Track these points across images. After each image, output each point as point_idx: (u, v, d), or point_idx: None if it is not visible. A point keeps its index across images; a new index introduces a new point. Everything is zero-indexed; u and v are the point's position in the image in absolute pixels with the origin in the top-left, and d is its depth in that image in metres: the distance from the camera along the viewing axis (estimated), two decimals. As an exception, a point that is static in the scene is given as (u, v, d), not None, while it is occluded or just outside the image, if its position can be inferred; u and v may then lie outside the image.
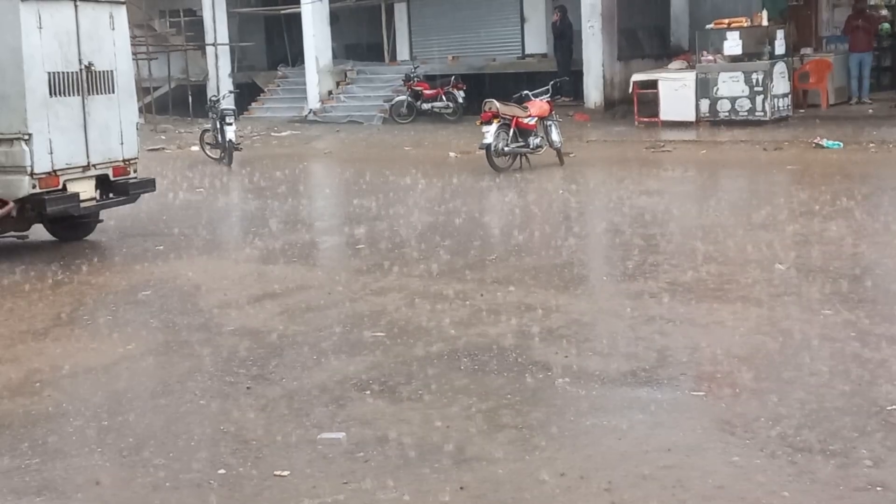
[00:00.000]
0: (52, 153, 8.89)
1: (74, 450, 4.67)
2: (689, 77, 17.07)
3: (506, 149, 13.06)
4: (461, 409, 4.93)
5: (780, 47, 16.93)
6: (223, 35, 24.65)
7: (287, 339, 6.25)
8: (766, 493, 3.92)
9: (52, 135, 8.90)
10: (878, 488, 3.91)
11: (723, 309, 6.45)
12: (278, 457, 4.47)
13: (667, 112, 17.22)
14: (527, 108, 13.34)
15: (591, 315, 6.53)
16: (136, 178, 9.81)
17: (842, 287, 6.81)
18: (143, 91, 21.35)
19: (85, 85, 9.20)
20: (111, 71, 9.46)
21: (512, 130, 13.06)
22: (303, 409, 5.04)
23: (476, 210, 10.67)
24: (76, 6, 9.07)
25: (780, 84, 16.73)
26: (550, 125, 13.54)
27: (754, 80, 16.44)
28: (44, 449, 4.69)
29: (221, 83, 23.95)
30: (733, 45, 16.75)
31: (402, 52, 23.69)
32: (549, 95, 13.83)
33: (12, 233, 9.47)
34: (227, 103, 17.15)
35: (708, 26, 17.53)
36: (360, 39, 25.07)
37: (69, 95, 9.06)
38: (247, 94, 23.88)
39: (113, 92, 9.49)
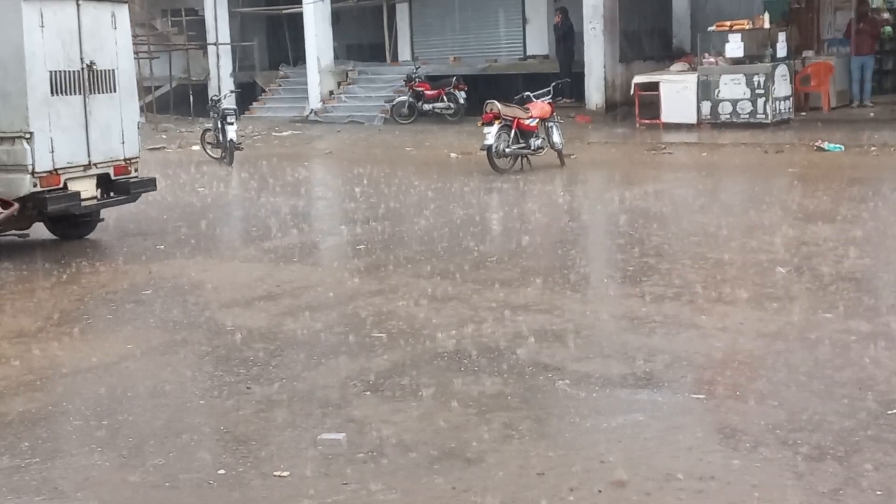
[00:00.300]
0: (53, 152, 8.90)
1: (74, 449, 4.66)
2: (691, 79, 17.07)
3: (507, 150, 13.06)
4: (461, 410, 4.92)
5: (781, 50, 16.94)
6: (225, 34, 24.65)
7: (287, 339, 6.25)
8: (767, 496, 3.92)
9: (54, 133, 8.90)
10: (879, 492, 3.91)
11: (723, 312, 6.45)
12: (278, 457, 4.46)
13: (668, 114, 17.22)
14: (528, 109, 13.34)
15: (591, 317, 6.52)
16: (137, 177, 9.81)
17: (843, 290, 6.81)
18: (144, 90, 21.39)
19: (86, 84, 9.20)
20: (113, 70, 9.46)
21: (513, 132, 13.06)
22: (303, 409, 5.04)
23: (477, 211, 10.67)
24: (78, 5, 9.07)
25: (782, 87, 16.73)
26: (552, 126, 13.54)
27: (756, 83, 16.44)
28: (44, 448, 4.69)
29: (223, 83, 23.96)
30: (735, 47, 16.76)
31: (404, 53, 23.70)
32: (550, 97, 13.83)
33: (13, 231, 9.47)
34: (229, 103, 17.16)
35: (710, 28, 17.54)
36: (362, 39, 25.07)
37: (71, 94, 9.06)
38: (248, 93, 23.89)
39: (114, 91, 9.49)
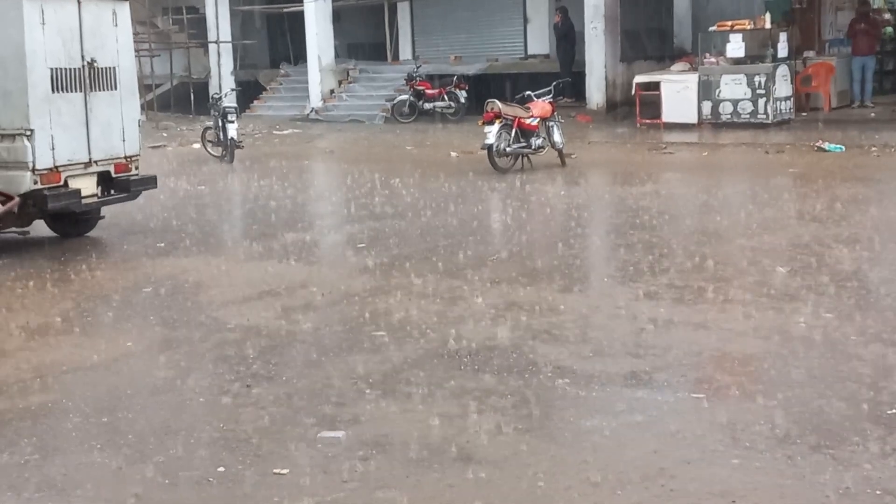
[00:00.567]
0: (53, 149, 8.90)
1: (74, 446, 4.67)
2: (692, 79, 17.07)
3: (507, 149, 13.05)
4: (461, 408, 4.92)
5: (782, 50, 16.93)
6: (226, 33, 24.65)
7: (287, 337, 6.25)
8: (766, 494, 3.92)
9: (54, 131, 8.90)
10: (878, 491, 3.91)
11: (723, 311, 6.45)
12: (278, 455, 4.47)
13: (669, 114, 17.21)
14: (529, 108, 13.33)
15: (591, 316, 6.52)
16: (137, 174, 9.80)
17: (843, 290, 6.81)
18: (145, 88, 21.38)
19: (87, 81, 9.20)
20: (114, 67, 9.46)
21: (514, 131, 13.05)
22: (302, 407, 5.04)
23: (477, 210, 10.67)
24: (79, 2, 9.07)
25: (783, 87, 16.73)
26: (552, 126, 13.54)
27: (757, 83, 16.44)
28: (43, 445, 4.69)
29: (223, 81, 23.95)
30: (736, 47, 16.75)
31: (405, 52, 23.69)
32: (551, 96, 13.82)
33: (13, 229, 9.47)
34: (229, 101, 17.16)
35: (711, 28, 17.53)
36: (363, 38, 25.07)
37: (71, 91, 9.06)
38: (249, 92, 23.88)
39: (115, 88, 9.49)
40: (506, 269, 7.80)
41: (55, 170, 8.94)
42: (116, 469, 4.40)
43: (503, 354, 5.73)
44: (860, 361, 5.38)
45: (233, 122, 15.32)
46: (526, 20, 22.12)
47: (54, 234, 9.93)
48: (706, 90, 16.85)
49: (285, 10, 24.11)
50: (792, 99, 17.06)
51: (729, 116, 16.69)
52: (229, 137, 15.28)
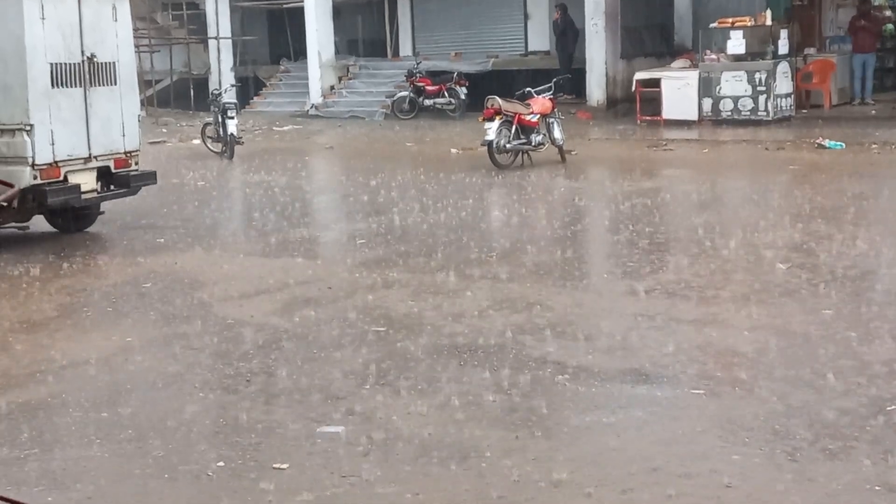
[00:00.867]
0: (53, 144, 8.89)
1: (74, 441, 4.67)
2: (692, 76, 17.06)
3: (508, 146, 13.05)
4: (460, 404, 4.92)
5: (783, 47, 16.92)
6: (225, 29, 24.62)
7: (287, 332, 6.25)
8: (766, 491, 3.92)
9: (54, 126, 8.89)
10: (878, 487, 3.91)
11: (723, 307, 6.45)
12: (277, 450, 4.47)
13: (669, 111, 17.20)
14: (529, 105, 13.33)
15: (591, 312, 6.52)
16: (137, 170, 9.79)
17: (843, 287, 6.81)
18: (144, 84, 21.35)
19: (87, 76, 9.19)
20: (113, 63, 9.45)
21: (514, 127, 13.04)
22: (302, 402, 5.04)
23: (477, 207, 10.66)
24: (79, -3, 9.07)
25: (783, 84, 16.72)
26: (553, 123, 13.53)
27: (757, 80, 16.42)
28: (43, 439, 4.69)
29: (223, 77, 23.93)
30: (737, 44, 16.73)
31: (405, 48, 23.66)
32: (551, 93, 13.82)
33: (13, 224, 9.47)
34: (229, 97, 17.15)
35: (711, 25, 17.51)
36: (363, 34, 25.04)
37: (71, 86, 9.05)
38: (249, 88, 23.86)
39: (115, 84, 9.48)
40: (505, 265, 7.80)
41: (55, 165, 8.93)
42: (116, 463, 4.40)
43: (503, 350, 5.72)
44: (859, 358, 5.38)
45: (232, 118, 15.31)
46: (526, 17, 22.10)
47: (54, 230, 9.92)
48: (707, 87, 16.83)
49: (285, 5, 24.08)
50: (792, 96, 17.04)
51: (729, 113, 16.68)
52: (229, 133, 15.26)
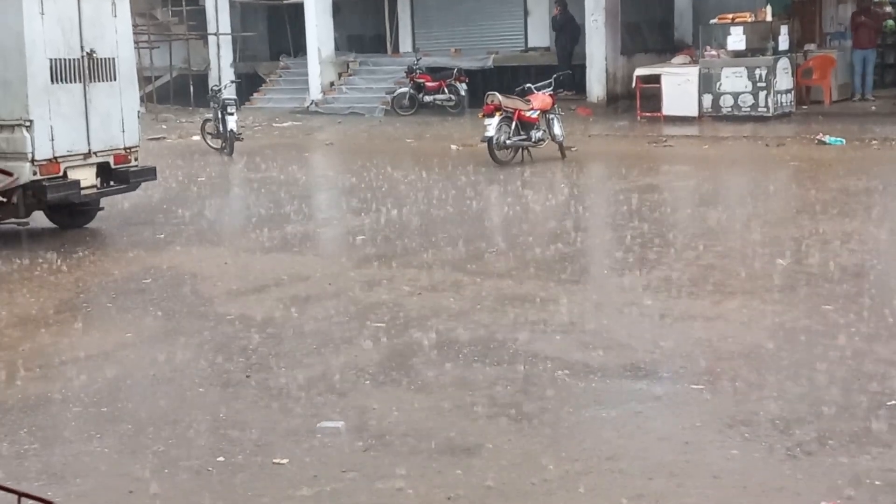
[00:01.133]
0: (53, 140, 8.88)
1: (73, 436, 4.67)
2: (692, 72, 17.04)
3: (508, 142, 13.04)
4: (460, 399, 4.92)
5: (783, 43, 16.91)
6: (225, 25, 24.60)
7: (287, 328, 6.25)
8: (765, 486, 3.92)
9: (54, 121, 8.89)
10: (877, 482, 3.91)
11: (723, 303, 6.45)
12: (277, 445, 4.47)
13: (669, 107, 17.19)
14: (529, 101, 13.32)
15: (591, 308, 6.52)
16: (136, 166, 9.79)
17: (842, 282, 6.81)
18: (144, 80, 21.33)
19: (87, 72, 9.18)
20: (113, 58, 9.44)
21: (514, 123, 13.03)
22: (302, 397, 5.04)
23: (477, 203, 10.66)
24: (78, -7, 9.05)
25: (784, 80, 16.70)
26: (553, 119, 13.52)
27: (757, 76, 16.41)
28: (43, 435, 4.69)
29: (223, 73, 23.91)
30: (737, 40, 16.72)
31: (405, 44, 23.64)
32: (551, 89, 13.81)
33: (13, 220, 9.46)
34: (229, 93, 17.11)
35: (712, 21, 17.49)
36: (363, 31, 25.02)
37: (71, 82, 9.05)
38: (248, 84, 23.83)
39: (114, 79, 9.47)
40: (505, 261, 7.80)
41: (54, 161, 8.92)
42: (116, 458, 4.40)
43: (502, 345, 5.72)
44: (860, 354, 5.38)
45: (232, 114, 15.30)
46: (526, 13, 22.08)
47: (53, 226, 9.92)
48: (707, 83, 16.82)
49: (285, 1, 24.05)
50: (793, 92, 17.03)
51: (729, 109, 16.67)
52: (229, 129, 15.26)
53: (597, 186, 11.99)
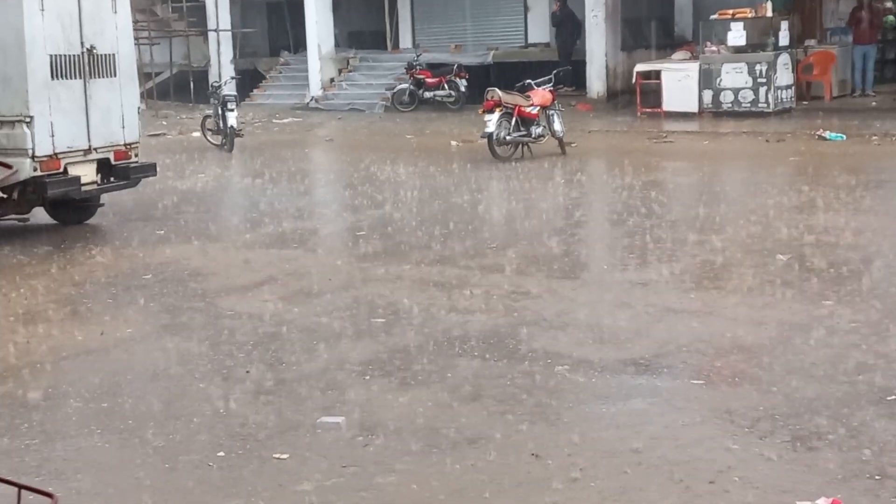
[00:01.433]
0: (53, 136, 8.88)
1: (74, 431, 4.67)
2: (693, 68, 17.03)
3: (508, 138, 13.03)
4: (460, 395, 4.93)
5: (784, 39, 16.89)
6: (225, 21, 24.57)
7: (287, 323, 6.25)
8: (766, 480, 3.92)
9: (54, 117, 8.89)
10: (878, 476, 3.91)
11: (724, 298, 6.45)
12: (277, 440, 4.47)
13: (669, 103, 17.17)
14: (529, 97, 13.30)
15: (591, 303, 6.52)
16: (137, 162, 9.79)
17: (843, 278, 6.81)
18: (144, 76, 21.31)
19: (87, 68, 9.18)
20: (113, 54, 9.43)
21: (514, 119, 13.03)
22: (302, 393, 5.04)
23: (477, 199, 10.65)
24: (78, -11, 9.05)
25: (784, 76, 16.69)
26: (553, 115, 13.51)
27: (758, 72, 16.39)
28: (43, 430, 4.70)
29: (223, 69, 23.89)
30: (737, 35, 16.70)
31: (405, 41, 23.62)
32: (551, 85, 13.80)
33: (13, 216, 9.47)
34: (229, 89, 17.11)
35: (712, 17, 17.47)
36: (363, 27, 24.99)
37: (71, 78, 9.05)
38: (248, 80, 23.81)
39: (115, 75, 9.47)
40: (505, 257, 7.80)
41: (55, 157, 8.92)
42: (116, 453, 4.40)
43: (502, 341, 5.73)
44: (860, 348, 5.38)
45: (232, 110, 15.28)
46: (526, 8, 22.05)
47: (54, 222, 9.92)
48: (707, 79, 16.81)
49: (285, -3, 24.04)
50: (793, 88, 17.01)
51: (730, 105, 16.65)
52: (229, 126, 15.25)
53: (597, 182, 11.99)
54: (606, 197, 10.65)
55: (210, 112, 16.29)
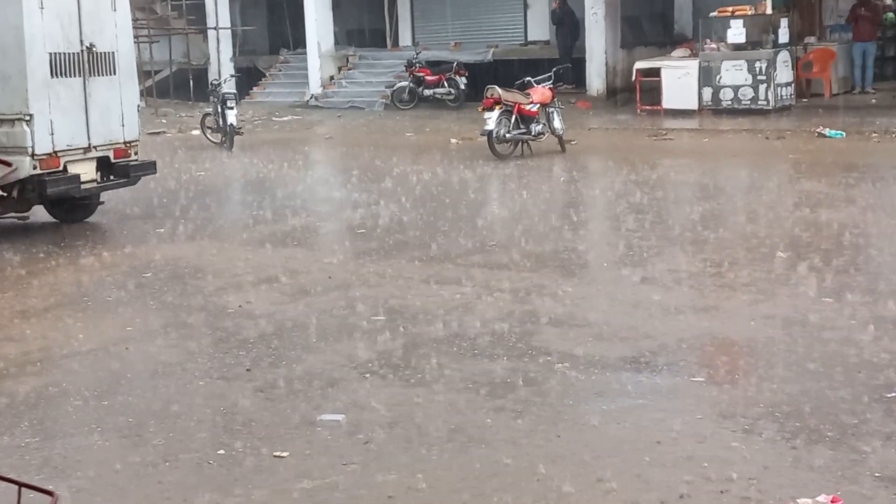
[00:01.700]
0: (52, 134, 8.88)
1: (74, 429, 4.67)
2: (692, 65, 17.02)
3: (507, 135, 13.03)
4: (460, 392, 4.93)
5: (783, 36, 16.88)
6: (225, 19, 24.57)
7: (287, 321, 6.25)
8: (765, 478, 3.92)
9: (53, 116, 8.88)
10: (877, 474, 3.91)
11: (723, 296, 6.45)
12: (277, 438, 4.47)
13: (669, 100, 17.17)
14: (529, 94, 13.31)
15: (591, 301, 6.52)
16: (136, 160, 9.78)
17: (842, 275, 6.81)
18: (144, 74, 21.30)
19: (86, 66, 9.17)
20: (112, 52, 9.43)
21: (514, 117, 13.03)
22: (302, 390, 5.04)
23: (477, 196, 10.66)
24: (78, -13, 9.04)
25: (784, 73, 16.68)
26: (552, 112, 13.51)
27: (757, 69, 16.39)
28: (43, 428, 4.70)
29: (223, 67, 23.88)
30: (737, 33, 16.70)
31: (405, 38, 23.61)
32: (551, 82, 13.80)
33: (13, 214, 9.47)
34: (229, 87, 17.12)
35: (712, 14, 17.47)
36: (362, 25, 24.98)
37: (70, 76, 9.04)
38: (248, 78, 23.80)
39: (114, 73, 9.46)
40: (505, 255, 7.80)
41: (54, 155, 8.92)
42: (116, 451, 4.40)
43: (503, 339, 5.73)
44: (860, 346, 5.38)
45: (232, 108, 15.29)
46: (526, 6, 22.05)
47: (54, 220, 9.92)
48: (707, 76, 16.80)
49: (285, -5, 24.02)
50: (793, 85, 17.01)
51: (729, 103, 16.65)
52: (229, 124, 15.25)
53: (596, 179, 11.98)
54: (606, 194, 10.65)
55: (210, 110, 16.29)
